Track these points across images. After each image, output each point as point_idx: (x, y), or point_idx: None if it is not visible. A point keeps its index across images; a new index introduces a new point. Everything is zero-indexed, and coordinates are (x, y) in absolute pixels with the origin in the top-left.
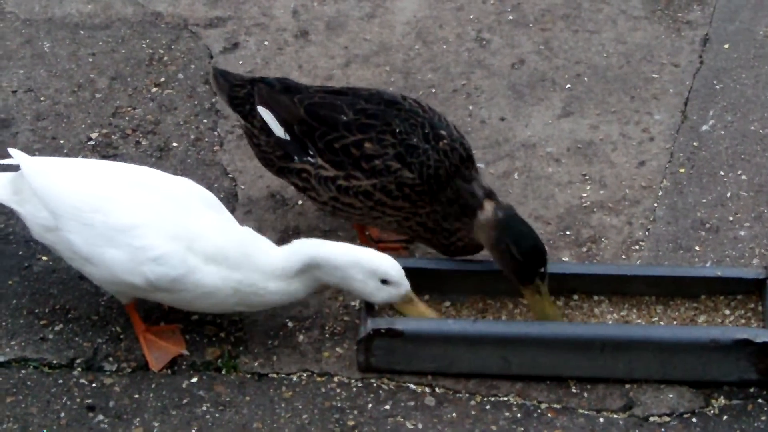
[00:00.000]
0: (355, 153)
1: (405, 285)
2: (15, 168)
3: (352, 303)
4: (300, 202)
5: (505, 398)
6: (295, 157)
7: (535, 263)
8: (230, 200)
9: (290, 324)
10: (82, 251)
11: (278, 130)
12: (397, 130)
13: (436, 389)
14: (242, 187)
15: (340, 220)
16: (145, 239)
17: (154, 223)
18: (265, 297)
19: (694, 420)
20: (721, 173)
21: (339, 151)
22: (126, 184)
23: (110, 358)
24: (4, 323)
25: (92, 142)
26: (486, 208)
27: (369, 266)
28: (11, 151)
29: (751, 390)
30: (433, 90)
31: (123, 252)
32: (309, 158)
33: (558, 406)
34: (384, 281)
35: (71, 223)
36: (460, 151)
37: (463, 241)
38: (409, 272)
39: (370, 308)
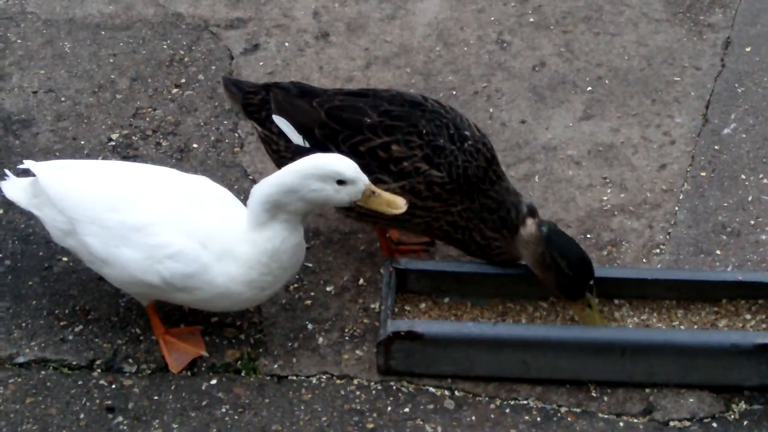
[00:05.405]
0: (382, 156)
1: (362, 179)
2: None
3: (372, 305)
4: None
5: (525, 402)
6: None
7: (584, 277)
8: None
9: (310, 326)
10: (99, 253)
11: (296, 138)
12: (424, 132)
13: (456, 392)
14: None
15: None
16: (160, 237)
17: (168, 220)
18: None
19: (714, 425)
20: (743, 177)
21: (365, 154)
22: (139, 184)
23: (130, 360)
24: (24, 324)
25: (113, 143)
26: (528, 224)
27: (320, 171)
28: (25, 161)
29: None
30: (454, 92)
31: (139, 251)
32: None
33: (578, 410)
34: (340, 181)
35: (87, 226)
36: (484, 151)
37: (500, 251)
38: (430, 275)
39: (391, 310)
